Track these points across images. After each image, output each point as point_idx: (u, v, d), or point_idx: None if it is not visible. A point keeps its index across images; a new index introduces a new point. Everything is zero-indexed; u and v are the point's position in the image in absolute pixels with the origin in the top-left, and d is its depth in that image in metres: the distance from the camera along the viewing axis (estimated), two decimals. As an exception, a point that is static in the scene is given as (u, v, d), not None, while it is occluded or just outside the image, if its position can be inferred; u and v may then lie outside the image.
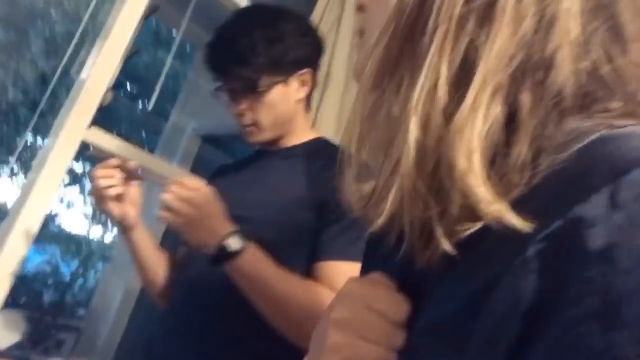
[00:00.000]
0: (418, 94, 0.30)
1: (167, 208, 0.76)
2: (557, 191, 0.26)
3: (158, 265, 0.97)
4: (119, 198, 0.90)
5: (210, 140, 2.39)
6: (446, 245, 0.29)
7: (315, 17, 1.50)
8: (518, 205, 0.27)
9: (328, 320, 0.36)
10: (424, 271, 0.32)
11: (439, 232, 0.29)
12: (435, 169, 0.29)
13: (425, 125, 0.30)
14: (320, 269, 0.82)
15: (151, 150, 2.21)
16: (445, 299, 0.30)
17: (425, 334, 0.32)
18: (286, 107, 0.93)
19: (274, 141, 0.96)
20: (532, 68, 0.29)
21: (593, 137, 0.26)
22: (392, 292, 0.35)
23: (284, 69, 0.90)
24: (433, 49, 0.30)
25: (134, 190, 0.92)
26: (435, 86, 0.30)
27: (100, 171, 0.89)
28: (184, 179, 0.78)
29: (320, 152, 0.93)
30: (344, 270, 0.79)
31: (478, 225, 0.28)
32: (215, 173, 1.10)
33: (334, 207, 0.80)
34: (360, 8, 0.40)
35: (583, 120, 0.29)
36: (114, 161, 0.90)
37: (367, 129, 0.34)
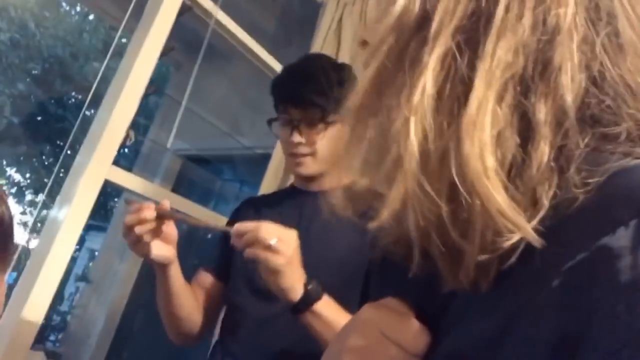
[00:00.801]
0: (419, 97, 0.29)
1: (268, 248, 0.75)
2: (582, 223, 0.26)
3: (187, 300, 0.98)
4: (156, 236, 0.89)
5: (193, 159, 2.37)
6: (480, 258, 0.28)
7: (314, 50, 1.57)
8: (545, 234, 0.26)
9: (342, 347, 0.35)
10: (442, 297, 0.32)
11: (469, 248, 0.28)
12: (442, 169, 0.28)
13: (428, 127, 0.29)
14: None
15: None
16: (468, 329, 0.30)
17: None
18: (340, 145, 0.98)
19: (314, 178, 1.01)
20: (540, 75, 0.29)
21: (616, 167, 0.27)
22: (410, 321, 0.33)
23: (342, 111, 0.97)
24: (434, 56, 0.30)
25: (169, 228, 0.91)
26: (434, 89, 0.29)
27: (133, 218, 0.86)
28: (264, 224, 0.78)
29: None
30: None
31: (506, 240, 0.27)
32: (244, 207, 1.12)
33: None
34: (364, 43, 0.40)
35: (603, 143, 0.29)
36: (146, 209, 0.86)
37: (363, 134, 0.34)
